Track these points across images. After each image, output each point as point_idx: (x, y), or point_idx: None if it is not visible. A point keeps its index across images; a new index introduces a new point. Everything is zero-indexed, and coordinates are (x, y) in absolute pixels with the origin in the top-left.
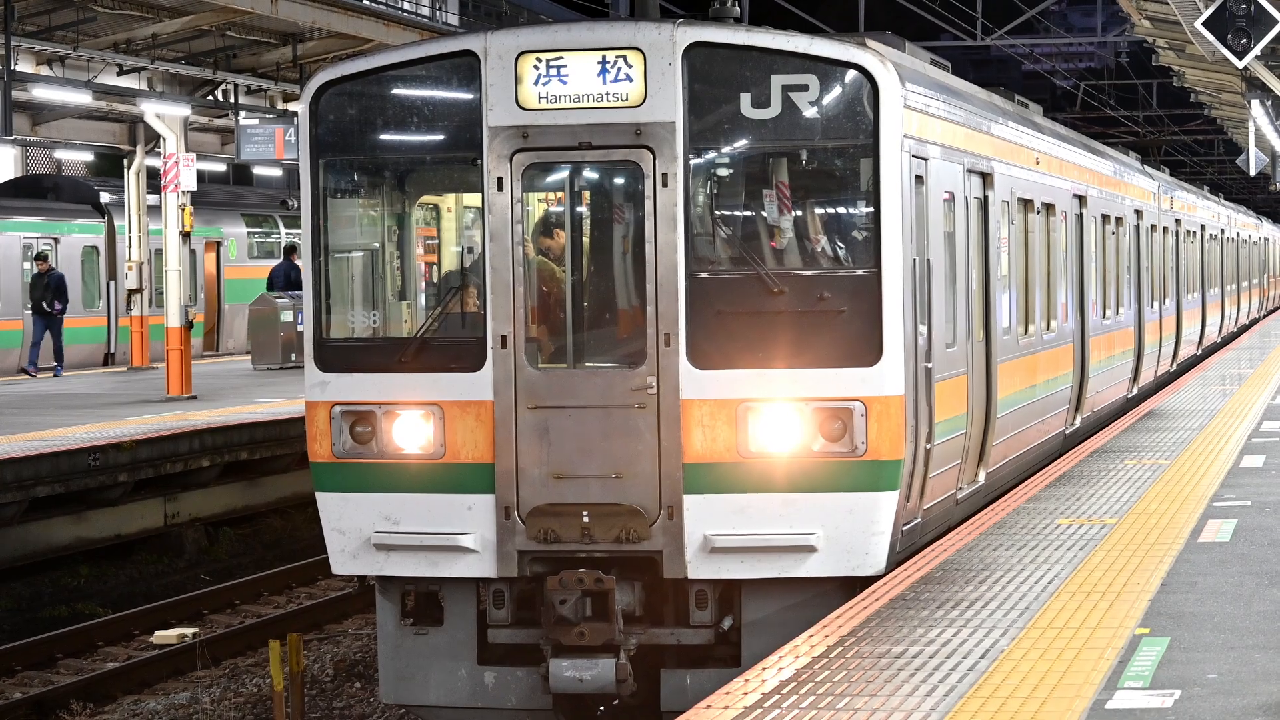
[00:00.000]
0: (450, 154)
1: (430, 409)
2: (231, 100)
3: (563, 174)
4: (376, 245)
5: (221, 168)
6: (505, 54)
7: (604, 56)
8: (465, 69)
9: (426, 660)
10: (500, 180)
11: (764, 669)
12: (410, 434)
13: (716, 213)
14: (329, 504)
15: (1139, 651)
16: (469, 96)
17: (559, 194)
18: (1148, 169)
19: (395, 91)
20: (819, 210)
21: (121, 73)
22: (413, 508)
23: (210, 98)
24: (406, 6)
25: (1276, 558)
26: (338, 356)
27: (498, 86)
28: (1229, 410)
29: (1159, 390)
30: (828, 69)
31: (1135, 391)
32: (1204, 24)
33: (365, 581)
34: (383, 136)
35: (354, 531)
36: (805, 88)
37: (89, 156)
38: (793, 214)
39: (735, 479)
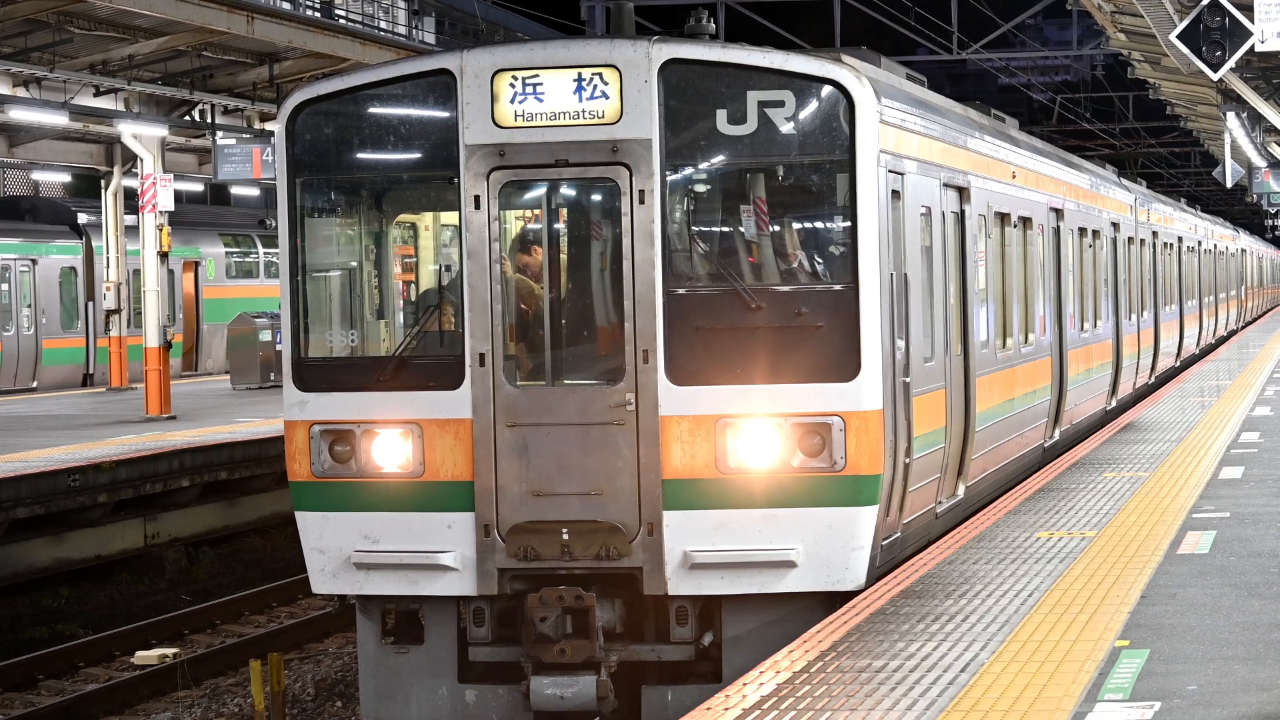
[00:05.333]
0: (427, 172)
1: (409, 427)
2: (208, 120)
3: (540, 191)
4: (354, 264)
5: (199, 188)
6: (481, 72)
7: (580, 74)
8: (441, 87)
9: (407, 679)
10: (477, 198)
11: (745, 684)
12: (389, 453)
13: (694, 229)
14: (308, 523)
15: (1119, 664)
16: (445, 115)
17: (536, 211)
18: (1124, 182)
19: (372, 110)
20: (796, 226)
21: (98, 94)
22: (392, 526)
23: (187, 118)
24: (383, 25)
25: (1256, 569)
26: (316, 376)
27: (474, 105)
28: (1207, 422)
29: (1138, 402)
30: (803, 85)
31: (1114, 404)
32: (1178, 37)
33: (345, 600)
34: (360, 155)
35: (334, 550)
36: (781, 104)
37: (66, 177)
38: (770, 230)
39: (715, 495)
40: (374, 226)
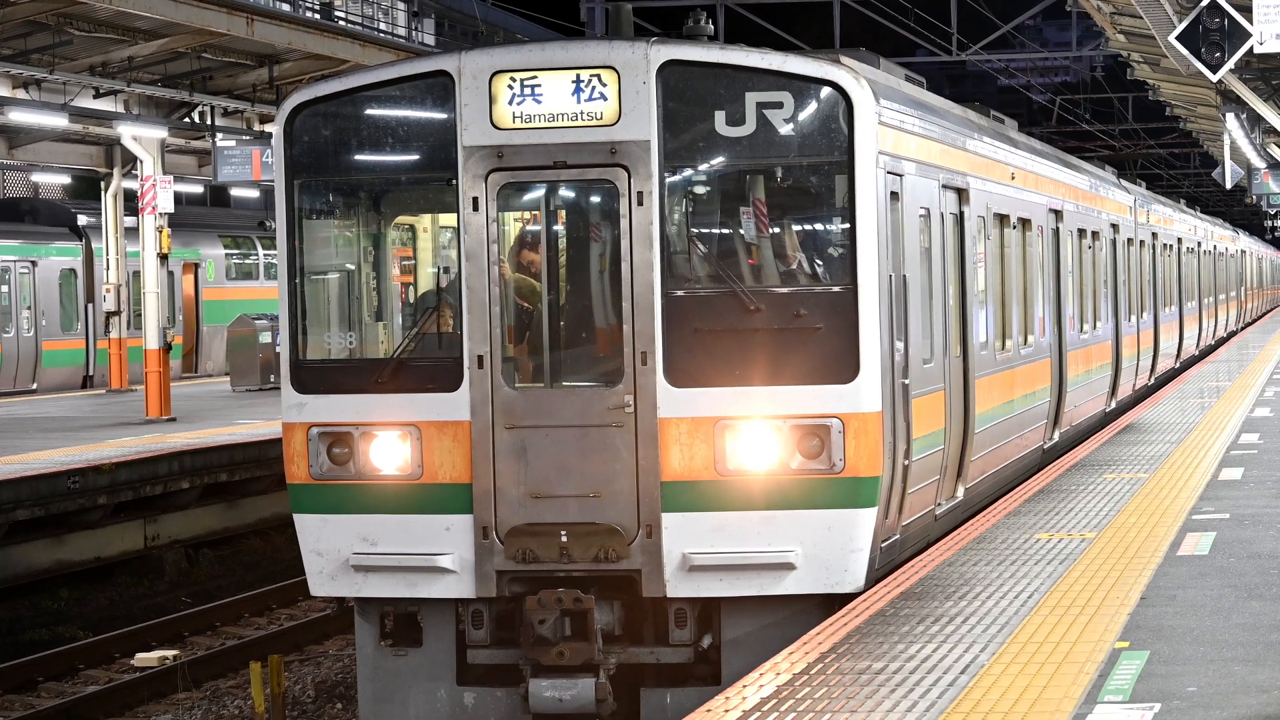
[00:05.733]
0: (425, 174)
1: (407, 430)
2: (208, 122)
3: (538, 193)
4: (352, 266)
5: (199, 189)
6: (479, 74)
7: (578, 75)
8: (440, 89)
9: (406, 681)
10: (475, 200)
11: (745, 686)
12: (388, 455)
13: (692, 231)
14: (307, 525)
15: (1119, 665)
16: (444, 116)
17: (535, 213)
18: (1124, 183)
19: (370, 112)
20: (795, 227)
21: (98, 95)
22: (391, 529)
23: (187, 120)
24: (383, 27)
25: (1255, 570)
26: (314, 378)
27: (472, 106)
28: (1207, 423)
29: (1138, 404)
30: (802, 86)
31: (1114, 405)
32: (1178, 38)
33: (344, 603)
34: (358, 157)
35: (332, 553)
36: (780, 105)
37: (66, 179)
38: (769, 231)
39: (713, 497)
40: (372, 228)
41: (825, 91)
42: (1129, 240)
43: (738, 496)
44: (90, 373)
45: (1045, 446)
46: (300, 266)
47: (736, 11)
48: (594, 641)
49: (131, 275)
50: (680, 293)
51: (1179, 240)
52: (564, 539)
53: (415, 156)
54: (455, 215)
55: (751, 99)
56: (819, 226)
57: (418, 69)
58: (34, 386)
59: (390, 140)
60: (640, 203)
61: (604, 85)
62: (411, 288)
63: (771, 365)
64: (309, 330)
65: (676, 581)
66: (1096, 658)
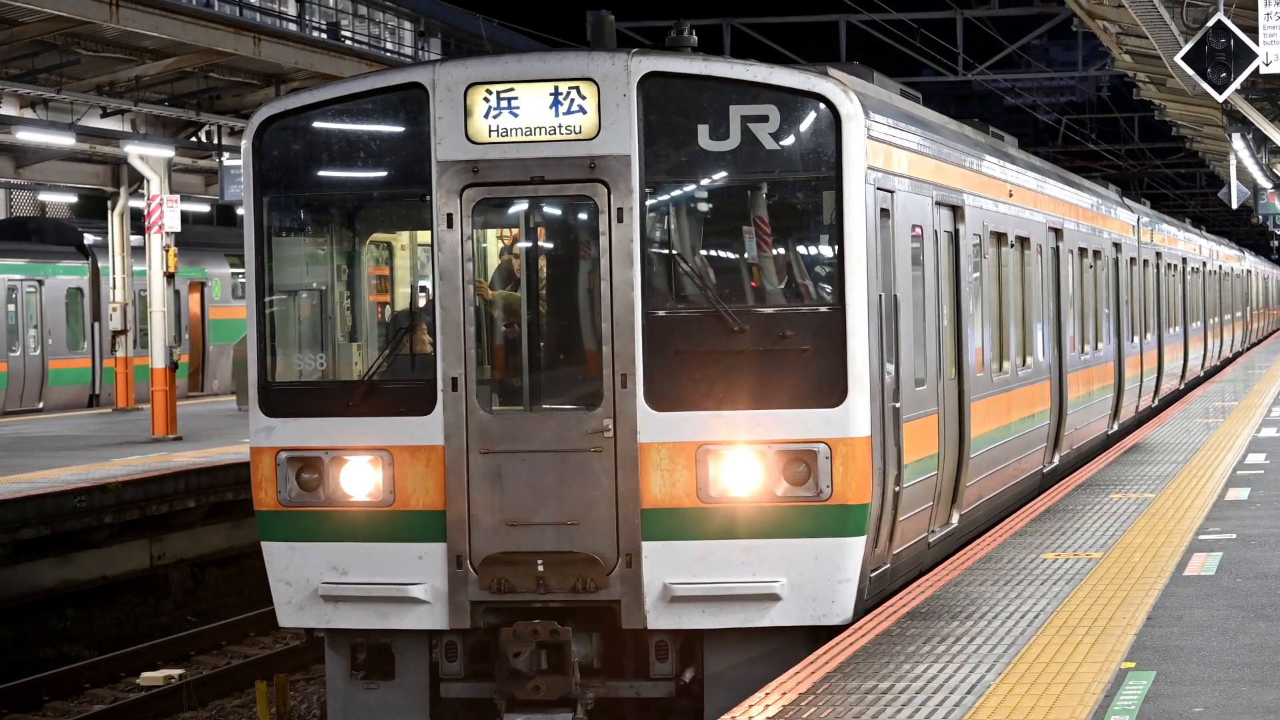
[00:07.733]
0: (398, 190)
1: (379, 455)
2: (215, 141)
3: (515, 210)
4: (323, 285)
5: (205, 208)
6: (454, 86)
7: (556, 88)
8: (413, 102)
9: (377, 715)
10: (450, 216)
11: (750, 705)
12: (358, 481)
13: (674, 249)
14: (275, 554)
15: (1125, 686)
16: (417, 130)
17: (512, 230)
18: (1127, 202)
19: (341, 126)
20: (781, 245)
21: (105, 115)
22: (361, 557)
23: (194, 139)
24: (389, 47)
25: (1262, 590)
26: (283, 400)
27: (446, 119)
28: (1213, 443)
29: (1141, 425)
30: (788, 99)
31: (1116, 428)
32: (1184, 58)
33: (313, 634)
34: (328, 173)
35: (301, 582)
36: (765, 118)
37: (73, 198)
38: (772, 251)
39: (696, 525)
40: (343, 246)
41: (812, 105)
42: (1132, 259)
43: (721, 524)
44: (96, 391)
45: (1045, 470)
46: (269, 285)
47: (743, 31)
48: (571, 675)
49: (138, 294)
50: (662, 313)
51: (1183, 260)
52: (540, 568)
53: (388, 172)
54: (429, 232)
55: (736, 112)
56: (806, 244)
57: (391, 81)
58: (40, 405)
59: (362, 155)
60: (620, 220)
61: (583, 98)
62: (386, 307)
63: (756, 388)
64: (278, 351)
65: (657, 613)
66: (1103, 678)
